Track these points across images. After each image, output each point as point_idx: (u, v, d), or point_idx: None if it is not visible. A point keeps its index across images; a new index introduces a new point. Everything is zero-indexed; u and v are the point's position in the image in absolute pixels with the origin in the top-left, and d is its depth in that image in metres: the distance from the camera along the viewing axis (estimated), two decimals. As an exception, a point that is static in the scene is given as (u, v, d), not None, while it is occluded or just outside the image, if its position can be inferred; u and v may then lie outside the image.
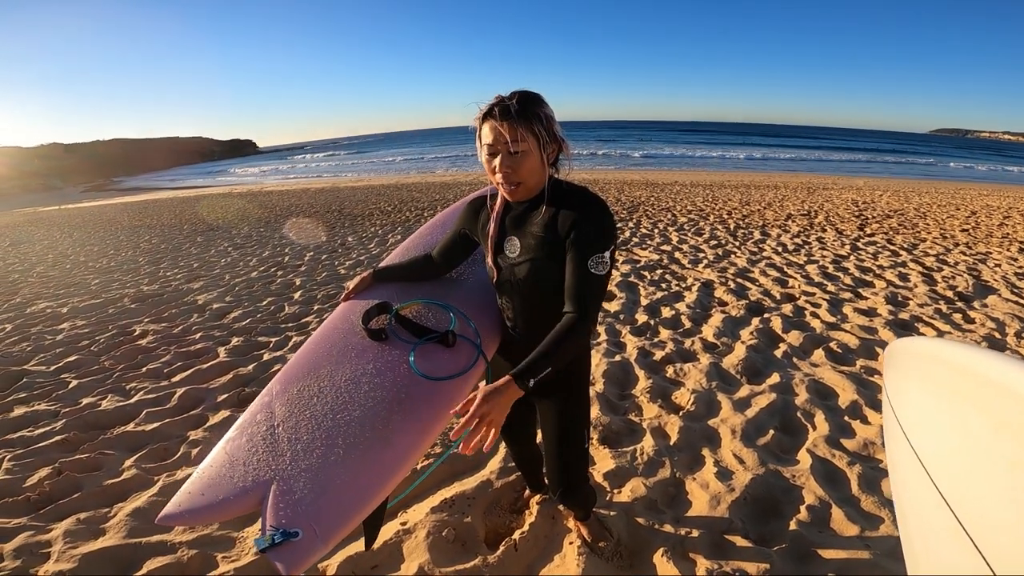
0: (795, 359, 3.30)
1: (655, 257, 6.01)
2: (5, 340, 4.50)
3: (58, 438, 2.70)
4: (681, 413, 2.68)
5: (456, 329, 1.46)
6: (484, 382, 1.61)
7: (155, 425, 2.80)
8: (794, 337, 3.60)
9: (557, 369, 1.16)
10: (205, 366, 3.57)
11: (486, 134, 1.18)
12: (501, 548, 1.82)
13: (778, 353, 3.38)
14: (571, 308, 1.20)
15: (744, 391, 2.88)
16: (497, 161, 1.18)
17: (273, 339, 4.05)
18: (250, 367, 3.50)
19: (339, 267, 6.34)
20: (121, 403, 3.08)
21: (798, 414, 2.65)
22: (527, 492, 2.08)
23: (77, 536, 2.00)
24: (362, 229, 9.04)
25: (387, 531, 1.94)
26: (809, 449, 2.35)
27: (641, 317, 4.12)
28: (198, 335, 4.27)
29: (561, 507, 1.95)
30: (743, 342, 3.52)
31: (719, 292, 4.71)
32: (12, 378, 3.61)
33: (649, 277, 5.20)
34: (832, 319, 3.97)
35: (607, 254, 1.19)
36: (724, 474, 2.19)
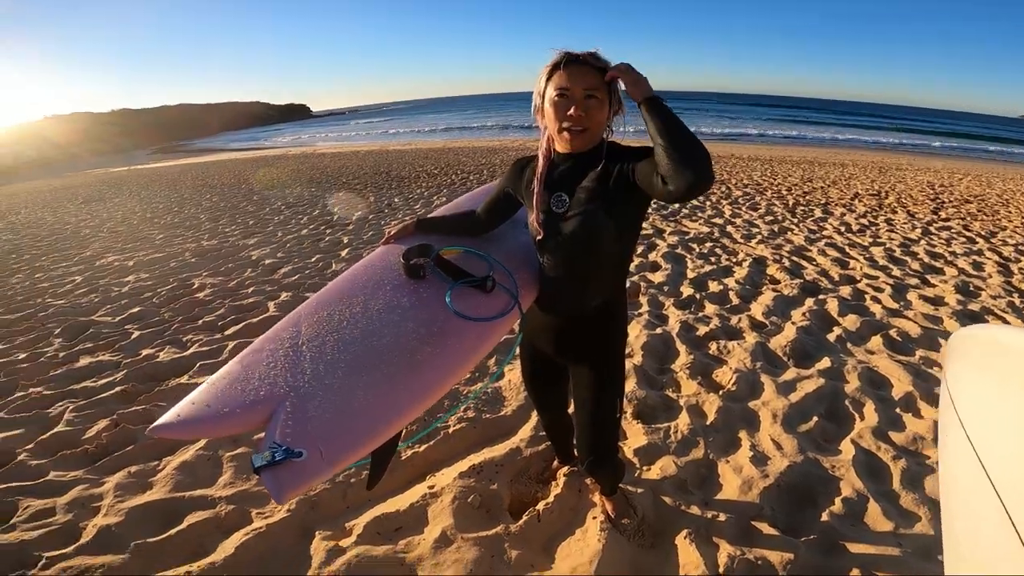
0: (849, 344, 3.12)
1: (705, 230, 5.79)
2: (75, 291, 4.85)
3: (118, 389, 2.86)
4: (721, 392, 2.59)
5: (495, 276, 1.44)
6: (517, 332, 1.61)
7: (206, 378, 2.93)
8: (851, 321, 3.40)
9: (674, 123, 1.08)
10: (255, 320, 3.73)
11: (560, 79, 1.21)
12: (524, 518, 1.83)
13: (831, 337, 3.21)
14: None
15: (790, 374, 2.76)
16: (572, 105, 1.21)
17: (320, 295, 4.19)
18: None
19: (385, 227, 6.45)
20: (177, 355, 3.26)
21: (846, 402, 2.52)
22: (555, 463, 2.08)
23: (127, 490, 2.09)
24: (408, 191, 9.17)
25: (413, 494, 1.98)
26: (854, 439, 2.24)
27: (686, 290, 3.99)
28: (251, 289, 4.47)
29: (588, 480, 1.93)
30: (794, 323, 3.35)
31: (772, 269, 4.49)
32: (80, 328, 3.88)
33: (698, 250, 5.02)
34: (894, 305, 3.72)
35: None
36: (759, 459, 2.12)
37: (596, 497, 1.87)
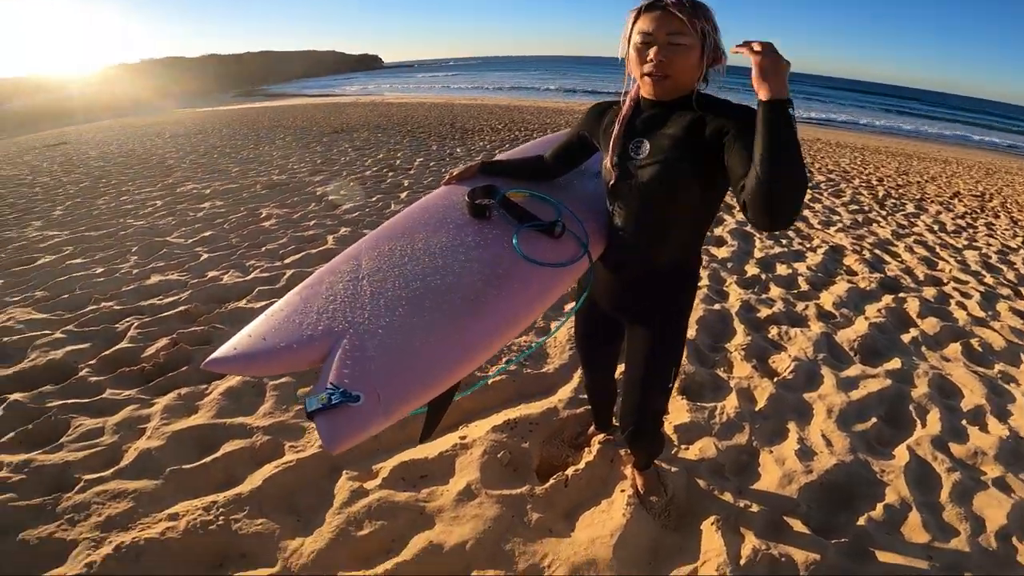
0: (924, 348, 2.86)
1: (779, 212, 5.44)
2: (155, 214, 5.16)
3: (181, 308, 2.99)
4: (776, 379, 2.45)
5: (564, 222, 1.34)
6: (579, 288, 1.53)
7: (263, 303, 3.05)
8: (929, 324, 3.11)
9: (789, 155, 0.93)
10: (314, 251, 3.88)
11: (645, 23, 1.13)
12: (551, 481, 1.79)
13: (906, 338, 2.95)
14: None
15: (854, 370, 2.57)
16: (652, 50, 1.12)
17: (376, 232, 4.34)
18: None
19: (445, 174, 6.52)
20: (239, 279, 3.41)
21: (910, 407, 2.33)
22: (592, 428, 2.03)
23: (173, 412, 2.13)
24: (471, 142, 9.19)
25: (444, 442, 1.97)
26: (910, 446, 2.08)
27: (751, 269, 3.79)
28: (312, 222, 4.64)
29: (623, 451, 1.87)
30: (867, 318, 3.11)
31: (849, 260, 4.17)
32: (155, 248, 4.12)
33: (768, 230, 4.72)
34: (981, 314, 3.37)
35: None
36: (806, 453, 1.99)
37: (628, 470, 1.81)
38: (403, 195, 5.58)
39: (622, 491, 1.74)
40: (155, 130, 13.83)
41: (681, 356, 1.43)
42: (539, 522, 1.66)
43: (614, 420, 2.01)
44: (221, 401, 2.20)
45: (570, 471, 1.83)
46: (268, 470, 1.83)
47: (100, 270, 3.68)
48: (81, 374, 2.39)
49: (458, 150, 8.41)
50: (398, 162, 7.35)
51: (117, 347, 2.61)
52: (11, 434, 2.00)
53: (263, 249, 3.97)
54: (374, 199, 5.42)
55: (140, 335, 2.72)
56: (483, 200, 1.39)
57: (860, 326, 2.99)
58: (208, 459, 1.89)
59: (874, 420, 2.22)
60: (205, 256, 3.86)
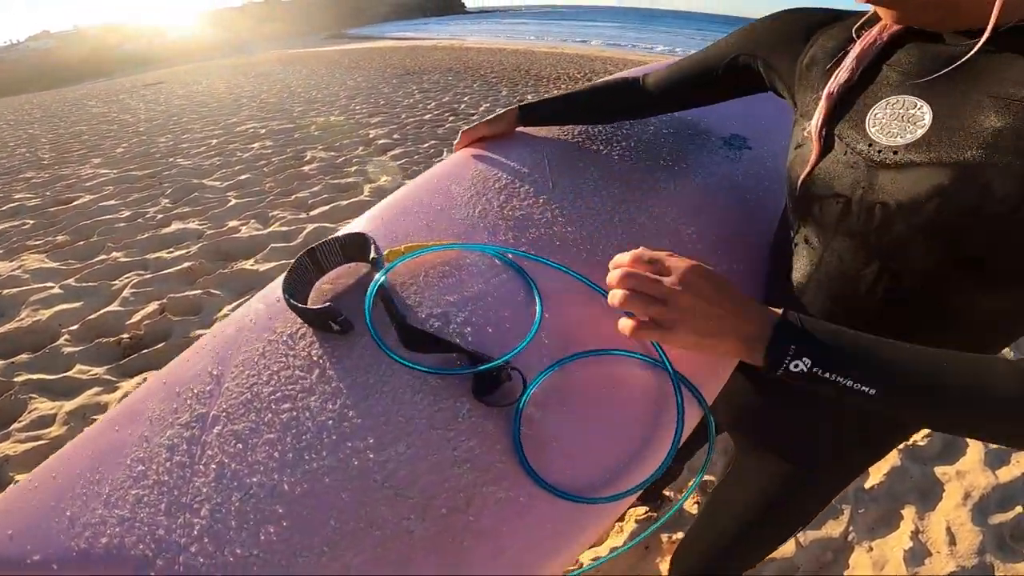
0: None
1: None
2: (205, 154, 4.99)
3: (185, 265, 2.73)
4: (902, 447, 1.73)
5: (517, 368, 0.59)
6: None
7: (271, 266, 2.70)
8: None
9: (895, 410, 0.47)
10: (344, 203, 3.50)
11: None
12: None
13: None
14: None
15: (1008, 440, 1.78)
16: None
17: (418, 184, 3.92)
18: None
19: (460, 132, 6.02)
20: (257, 232, 3.09)
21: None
22: None
23: None
24: (544, 90, 8.53)
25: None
26: None
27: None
28: (354, 168, 4.28)
29: (667, 536, 1.32)
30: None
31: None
32: (188, 191, 3.91)
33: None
34: None
35: None
36: (916, 554, 1.38)
37: (665, 565, 1.27)
38: (458, 143, 5.12)
39: (653, 594, 1.20)
40: (243, 70, 14.21)
41: (824, 505, 0.77)
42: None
43: (666, 491, 1.44)
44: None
45: (588, 558, 1.30)
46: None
47: (127, 214, 3.52)
48: (59, 342, 2.21)
49: (530, 97, 7.81)
50: (462, 107, 6.84)
51: (105, 310, 2.39)
52: (-31, 413, 1.83)
53: (292, 197, 3.64)
54: (426, 145, 4.95)
55: (132, 297, 2.48)
56: (326, 309, 0.61)
57: None
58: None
59: (1019, 509, 1.54)
60: (233, 202, 3.59)
